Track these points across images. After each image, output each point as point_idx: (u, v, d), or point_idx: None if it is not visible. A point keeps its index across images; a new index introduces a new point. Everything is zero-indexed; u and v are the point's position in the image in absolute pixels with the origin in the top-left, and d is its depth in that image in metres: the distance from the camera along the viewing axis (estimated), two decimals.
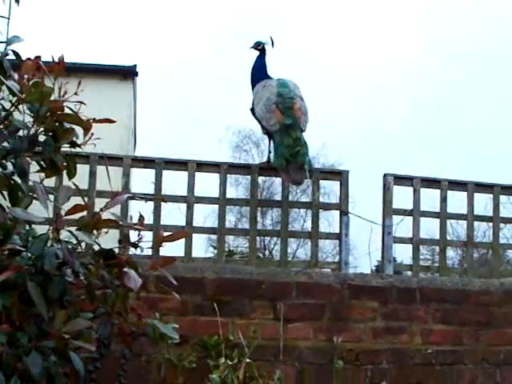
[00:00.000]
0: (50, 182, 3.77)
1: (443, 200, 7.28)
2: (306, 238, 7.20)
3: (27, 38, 3.29)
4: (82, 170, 6.31)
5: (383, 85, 45.00)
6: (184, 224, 6.41)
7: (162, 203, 6.31)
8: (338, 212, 6.90)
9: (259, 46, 7.24)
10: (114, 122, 3.42)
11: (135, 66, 19.96)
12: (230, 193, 6.45)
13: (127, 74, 19.92)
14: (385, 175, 7.02)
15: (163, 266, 3.18)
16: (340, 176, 6.84)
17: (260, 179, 7.01)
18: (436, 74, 44.08)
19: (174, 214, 6.42)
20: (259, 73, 7.14)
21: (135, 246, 3.14)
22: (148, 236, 6.73)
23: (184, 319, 5.33)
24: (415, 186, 7.13)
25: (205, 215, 6.79)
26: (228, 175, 6.71)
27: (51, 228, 2.72)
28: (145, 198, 5.37)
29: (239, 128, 35.27)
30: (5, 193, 2.99)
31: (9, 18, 3.51)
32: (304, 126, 6.68)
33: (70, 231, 2.69)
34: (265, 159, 7.11)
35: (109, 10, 51.79)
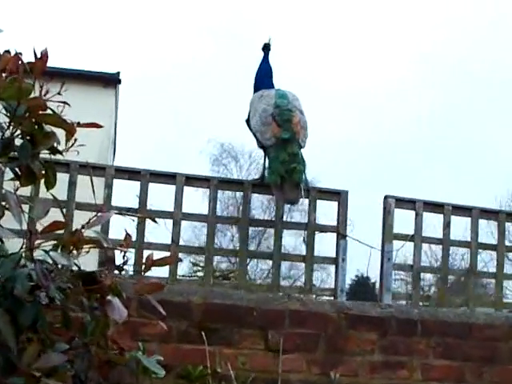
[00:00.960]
0: (25, 190, 3.46)
1: (447, 225, 7.01)
2: (300, 262, 6.90)
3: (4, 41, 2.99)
4: (60, 178, 6.02)
5: (380, 103, 44.77)
6: (169, 241, 6.08)
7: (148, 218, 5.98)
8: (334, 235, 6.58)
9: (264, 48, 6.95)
10: (101, 126, 3.12)
11: (118, 73, 19.82)
12: (204, 208, 6.12)
13: (110, 81, 19.77)
14: (385, 197, 6.76)
15: (151, 292, 2.87)
16: (338, 196, 6.56)
17: (235, 194, 6.72)
18: (437, 94, 43.90)
19: (158, 231, 6.10)
20: (264, 80, 6.85)
21: (120, 269, 2.83)
22: (130, 254, 6.44)
23: (167, 347, 5.00)
24: (417, 210, 6.87)
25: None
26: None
27: (24, 246, 2.39)
28: (132, 214, 5.04)
29: (220, 141, 35.41)
30: None
31: None
32: (303, 141, 6.39)
33: (45, 251, 2.37)
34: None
35: (95, 14, 51.41)
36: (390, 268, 6.61)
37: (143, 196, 6.06)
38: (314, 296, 6.39)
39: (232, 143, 34.46)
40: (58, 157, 2.98)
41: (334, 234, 6.56)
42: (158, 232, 6.16)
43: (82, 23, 51.12)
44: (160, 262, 2.77)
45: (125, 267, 2.87)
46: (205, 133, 39.94)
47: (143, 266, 2.84)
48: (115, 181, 6.18)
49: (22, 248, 2.42)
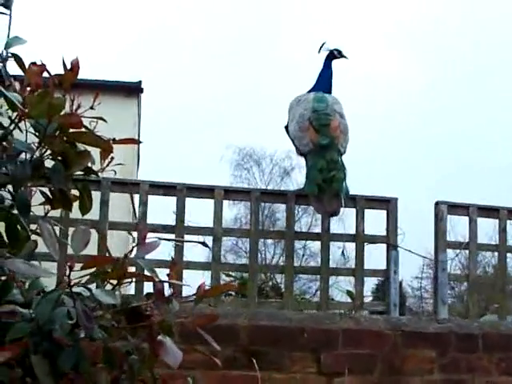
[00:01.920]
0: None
1: (502, 230, 6.69)
2: (349, 276, 6.62)
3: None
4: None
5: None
6: (209, 260, 5.85)
7: (186, 235, 5.76)
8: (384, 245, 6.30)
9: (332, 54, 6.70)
10: (139, 142, 2.90)
11: (140, 82, 19.74)
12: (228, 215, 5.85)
13: (132, 90, 19.73)
14: (437, 203, 6.46)
15: (205, 324, 2.62)
16: (387, 204, 6.27)
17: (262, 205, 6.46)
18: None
19: (195, 247, 5.87)
20: (322, 85, 6.57)
21: (169, 301, 2.58)
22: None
23: (213, 374, 4.78)
24: (471, 215, 6.56)
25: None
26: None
27: (61, 281, 2.15)
28: (177, 240, 4.80)
29: (240, 146, 35.40)
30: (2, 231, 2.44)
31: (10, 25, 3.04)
32: (343, 147, 6.13)
33: (86, 288, 2.13)
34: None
35: (115, 23, 51.62)
36: (445, 279, 6.31)
37: (180, 212, 5.82)
38: (366, 312, 6.11)
39: (254, 147, 34.70)
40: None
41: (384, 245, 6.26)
42: (195, 248, 5.92)
43: (101, 32, 51.44)
44: (211, 293, 2.51)
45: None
46: (219, 138, 39.92)
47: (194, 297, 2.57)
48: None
49: (59, 284, 2.18)
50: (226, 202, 5.94)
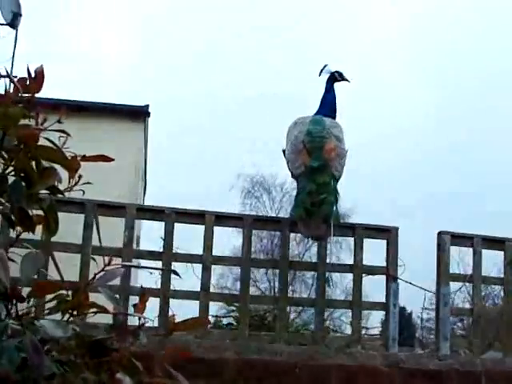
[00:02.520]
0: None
1: (508, 263, 6.48)
2: (345, 308, 6.41)
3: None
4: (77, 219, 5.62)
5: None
6: (198, 288, 5.64)
7: (174, 263, 5.56)
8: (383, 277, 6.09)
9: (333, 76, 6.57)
10: (111, 160, 2.69)
11: (147, 106, 19.65)
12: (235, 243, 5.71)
13: (138, 114, 19.66)
14: (439, 233, 6.27)
15: (175, 359, 2.42)
16: (388, 234, 6.08)
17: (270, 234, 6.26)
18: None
19: (186, 276, 5.67)
20: (325, 109, 6.42)
21: (135, 335, 2.38)
22: (154, 302, 6.01)
23: None
24: (476, 247, 6.37)
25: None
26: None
27: (10, 312, 1.96)
28: (150, 268, 4.59)
29: (250, 175, 35.63)
30: None
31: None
32: (338, 170, 5.96)
33: (34, 319, 1.94)
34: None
35: (123, 46, 51.93)
36: (447, 313, 6.09)
37: (168, 238, 5.62)
38: (362, 347, 5.89)
39: (264, 176, 34.93)
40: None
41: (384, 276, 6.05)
42: (186, 276, 5.71)
43: (109, 55, 51.89)
44: (182, 327, 2.31)
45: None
46: (229, 167, 40.21)
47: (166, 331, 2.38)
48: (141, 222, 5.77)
49: (6, 316, 1.98)
50: (235, 230, 5.76)
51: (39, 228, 2.51)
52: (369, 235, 6.11)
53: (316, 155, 5.86)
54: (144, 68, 50.14)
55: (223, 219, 5.80)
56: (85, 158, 2.62)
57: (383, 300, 6.07)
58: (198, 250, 5.78)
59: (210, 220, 5.69)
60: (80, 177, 2.62)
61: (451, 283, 6.27)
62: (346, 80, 6.65)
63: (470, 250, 6.44)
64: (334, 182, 5.84)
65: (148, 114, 19.70)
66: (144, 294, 2.48)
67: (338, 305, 6.70)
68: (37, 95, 2.40)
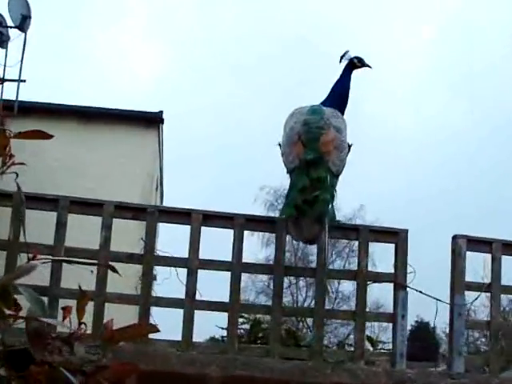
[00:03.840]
0: None
1: None
2: (348, 320, 6.06)
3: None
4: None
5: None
6: (183, 296, 5.31)
7: (158, 267, 5.24)
8: (391, 285, 5.73)
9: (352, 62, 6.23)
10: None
11: (161, 112, 19.80)
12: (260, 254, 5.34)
13: (152, 120, 19.81)
14: (454, 237, 5.92)
15: (123, 377, 2.11)
16: (396, 237, 5.73)
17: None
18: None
19: (170, 282, 5.34)
20: (333, 100, 6.05)
21: (69, 343, 2.06)
22: (132, 311, 5.68)
23: None
24: (495, 253, 6.01)
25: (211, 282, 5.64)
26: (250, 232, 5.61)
27: None
28: (82, 262, 4.22)
29: (274, 187, 36.15)
30: None
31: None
32: (336, 164, 5.56)
33: None
34: None
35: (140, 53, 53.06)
36: (462, 326, 5.73)
37: (150, 239, 5.29)
38: (365, 363, 5.52)
39: (286, 188, 34.82)
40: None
41: (391, 284, 5.70)
42: (176, 283, 5.38)
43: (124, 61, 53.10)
44: (123, 336, 1.97)
45: None
46: (254, 178, 40.31)
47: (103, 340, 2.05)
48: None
49: None
50: (258, 240, 5.40)
51: None
52: (375, 238, 5.76)
53: (311, 147, 5.50)
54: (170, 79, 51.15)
55: (212, 218, 5.47)
56: (19, 135, 2.33)
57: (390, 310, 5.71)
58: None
59: (197, 219, 5.37)
60: (11, 156, 2.33)
61: (467, 293, 5.91)
62: (368, 66, 6.30)
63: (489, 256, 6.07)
64: (332, 177, 5.46)
65: (162, 121, 19.87)
66: (83, 296, 2.16)
67: (340, 315, 6.35)
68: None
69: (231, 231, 5.48)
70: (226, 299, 5.42)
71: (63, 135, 18.72)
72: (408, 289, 5.69)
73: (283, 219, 5.42)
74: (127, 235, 6.44)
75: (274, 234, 5.70)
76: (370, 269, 5.76)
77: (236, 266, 5.39)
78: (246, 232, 5.53)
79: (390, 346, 6.13)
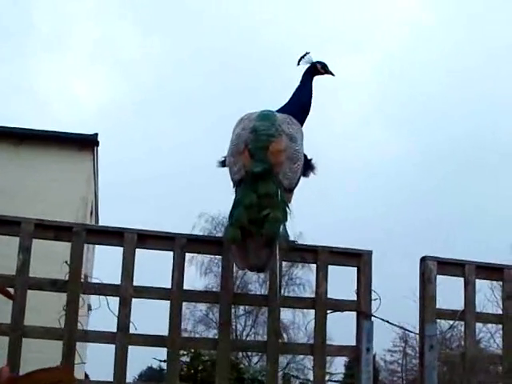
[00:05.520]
0: None
1: (507, 297, 5.65)
2: (306, 354, 5.50)
3: None
4: None
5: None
6: (115, 329, 4.70)
7: (89, 295, 4.62)
8: (354, 314, 5.21)
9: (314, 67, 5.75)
10: None
11: (96, 134, 19.68)
12: (198, 282, 4.74)
13: (86, 143, 19.63)
14: (424, 258, 5.48)
15: None
16: (359, 259, 5.21)
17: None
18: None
19: (101, 313, 4.74)
20: (293, 107, 5.55)
21: None
22: (51, 349, 5.04)
23: None
24: (468, 276, 5.55)
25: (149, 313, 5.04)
26: (191, 255, 5.02)
27: None
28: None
29: (213, 215, 37.08)
30: None
31: None
32: (288, 177, 4.98)
33: None
34: None
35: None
36: (434, 359, 5.25)
37: (76, 262, 4.69)
38: None
39: (225, 216, 34.64)
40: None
41: (354, 313, 5.17)
42: (102, 315, 4.77)
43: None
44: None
45: None
46: (192, 205, 40.29)
47: None
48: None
49: None
50: (196, 269, 4.81)
51: None
52: (335, 261, 5.21)
53: (259, 157, 4.93)
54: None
55: (148, 239, 4.89)
56: None
57: (353, 343, 5.15)
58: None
59: (131, 240, 4.79)
60: None
61: (439, 321, 5.41)
62: (331, 73, 5.83)
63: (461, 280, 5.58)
64: (282, 191, 4.89)
65: (97, 143, 19.92)
66: None
67: (297, 349, 5.77)
68: None
69: (171, 253, 4.89)
70: (165, 332, 4.81)
71: None
72: (373, 318, 5.15)
73: (230, 243, 4.76)
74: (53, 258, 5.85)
75: (213, 262, 5.10)
76: (329, 295, 5.18)
77: (176, 294, 4.80)
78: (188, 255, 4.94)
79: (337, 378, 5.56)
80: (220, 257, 5.04)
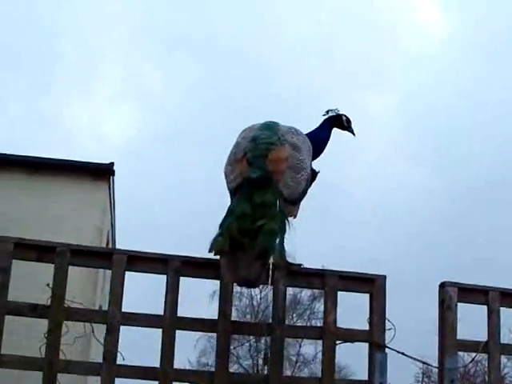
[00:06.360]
0: None
1: None
2: None
3: None
4: None
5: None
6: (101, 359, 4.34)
7: (67, 322, 4.28)
8: (366, 345, 4.86)
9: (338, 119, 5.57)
10: None
11: (112, 163, 19.50)
12: (202, 311, 4.40)
13: (101, 172, 19.57)
14: (443, 284, 5.09)
15: None
16: (372, 284, 4.86)
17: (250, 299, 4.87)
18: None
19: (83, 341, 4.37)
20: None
21: None
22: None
23: None
24: (492, 304, 5.15)
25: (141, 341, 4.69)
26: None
27: None
28: None
29: None
30: None
31: None
32: (289, 187, 4.64)
33: None
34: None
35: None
36: None
37: (60, 286, 4.34)
38: None
39: None
40: None
41: (366, 344, 4.78)
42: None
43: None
44: None
45: None
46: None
47: None
48: None
49: None
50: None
51: None
52: (345, 286, 4.83)
53: (258, 164, 4.61)
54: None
55: (138, 261, 4.53)
56: None
57: (365, 377, 4.76)
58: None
59: (120, 262, 4.43)
60: None
61: (462, 354, 5.04)
62: (352, 132, 5.63)
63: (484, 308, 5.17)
64: (282, 203, 4.53)
65: (113, 173, 19.73)
66: None
67: (302, 383, 5.36)
68: None
69: (164, 277, 4.53)
70: (157, 363, 4.42)
71: (11, 186, 18.10)
72: (387, 349, 4.75)
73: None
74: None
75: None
76: (339, 325, 4.78)
77: (169, 322, 4.42)
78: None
79: None
80: (240, 290, 4.69)
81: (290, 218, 4.66)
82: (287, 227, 4.52)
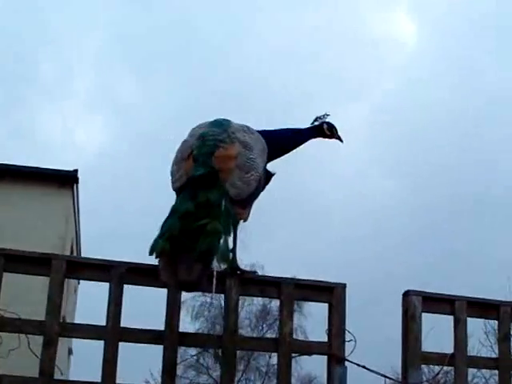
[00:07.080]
0: None
1: (504, 337, 5.06)
2: None
3: None
4: None
5: None
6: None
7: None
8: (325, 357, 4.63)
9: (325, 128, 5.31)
10: None
11: (76, 171, 19.24)
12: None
13: (65, 180, 19.38)
14: (407, 293, 4.86)
15: None
16: (330, 294, 4.62)
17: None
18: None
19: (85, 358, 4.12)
20: (278, 133, 5.15)
21: None
22: None
23: None
24: (458, 314, 4.95)
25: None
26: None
27: None
28: None
29: None
30: None
31: None
32: (236, 186, 4.40)
33: None
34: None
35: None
36: None
37: None
38: None
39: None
40: None
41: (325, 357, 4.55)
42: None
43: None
44: None
45: None
46: None
47: None
48: None
49: None
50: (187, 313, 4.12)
51: None
52: (302, 296, 4.60)
53: (202, 162, 4.39)
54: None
55: (79, 267, 4.26)
56: None
57: None
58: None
59: (58, 268, 4.15)
60: None
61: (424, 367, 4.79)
62: (339, 139, 5.38)
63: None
64: (228, 203, 4.29)
65: (77, 180, 19.56)
66: None
67: None
68: None
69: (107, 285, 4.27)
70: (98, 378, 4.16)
71: None
72: (347, 363, 4.51)
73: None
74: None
75: (204, 306, 4.46)
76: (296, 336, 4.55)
77: (111, 333, 4.15)
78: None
79: None
80: (210, 300, 4.43)
81: (241, 222, 4.45)
82: (232, 229, 4.31)
